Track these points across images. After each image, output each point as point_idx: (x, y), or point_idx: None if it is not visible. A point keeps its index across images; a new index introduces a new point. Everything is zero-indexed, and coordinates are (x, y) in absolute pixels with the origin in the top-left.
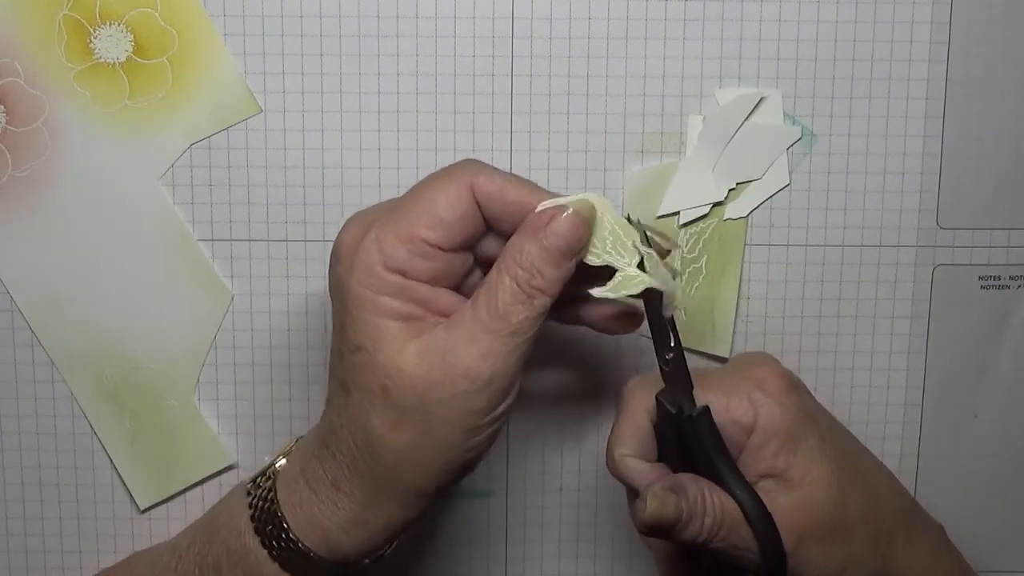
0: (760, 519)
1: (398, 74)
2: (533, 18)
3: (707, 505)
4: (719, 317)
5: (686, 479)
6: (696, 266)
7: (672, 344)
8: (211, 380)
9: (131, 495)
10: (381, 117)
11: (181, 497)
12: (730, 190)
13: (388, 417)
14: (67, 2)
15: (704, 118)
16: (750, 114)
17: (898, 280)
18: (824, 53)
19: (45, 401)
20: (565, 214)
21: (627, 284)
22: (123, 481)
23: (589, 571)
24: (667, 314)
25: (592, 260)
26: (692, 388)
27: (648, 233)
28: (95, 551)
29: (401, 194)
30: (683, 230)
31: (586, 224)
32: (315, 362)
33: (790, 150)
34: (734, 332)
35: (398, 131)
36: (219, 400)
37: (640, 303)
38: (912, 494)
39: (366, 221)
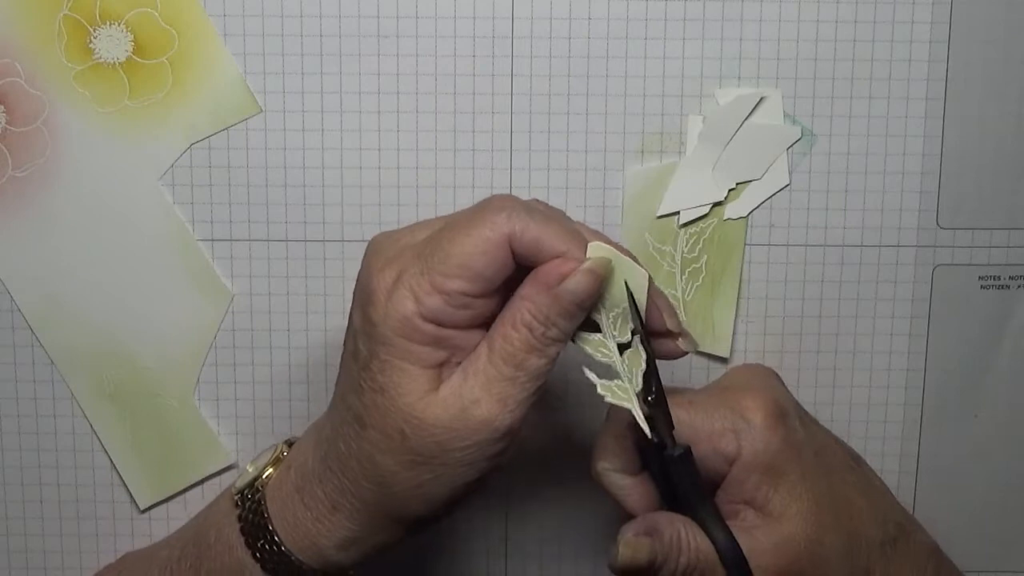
0: (735, 562)
1: (398, 74)
2: (533, 18)
3: (682, 546)
4: (719, 317)
5: (662, 520)
6: (696, 266)
7: (653, 391)
8: (211, 380)
9: (131, 495)
10: (381, 117)
11: (181, 497)
12: (730, 190)
13: (403, 458)
14: (67, 2)
15: (704, 118)
16: (750, 114)
17: (898, 280)
18: (824, 53)
19: (45, 401)
20: (581, 269)
21: (617, 396)
22: (123, 481)
23: (589, 571)
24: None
25: (592, 313)
26: (673, 428)
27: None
28: (95, 551)
29: (400, 186)
30: (683, 230)
31: (601, 280)
32: (315, 362)
33: (790, 150)
34: (734, 332)
35: (398, 131)
36: (219, 400)
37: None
38: (912, 495)
39: (398, 262)
